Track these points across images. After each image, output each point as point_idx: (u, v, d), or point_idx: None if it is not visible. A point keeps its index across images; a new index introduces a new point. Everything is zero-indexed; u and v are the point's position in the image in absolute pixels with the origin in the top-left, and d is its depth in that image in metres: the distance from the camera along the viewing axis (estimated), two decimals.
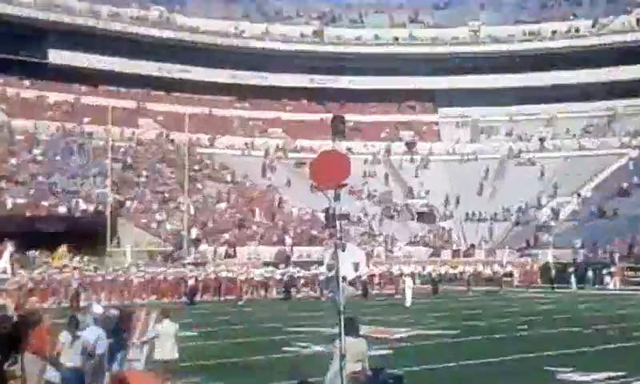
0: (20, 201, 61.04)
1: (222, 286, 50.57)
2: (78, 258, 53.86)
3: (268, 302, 47.19)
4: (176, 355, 16.24)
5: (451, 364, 21.89)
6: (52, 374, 15.58)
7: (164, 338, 16.17)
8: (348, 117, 11.25)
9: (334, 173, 10.28)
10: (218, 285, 50.79)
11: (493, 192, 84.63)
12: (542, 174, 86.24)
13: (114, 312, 17.63)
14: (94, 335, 15.70)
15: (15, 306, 22.06)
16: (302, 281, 54.30)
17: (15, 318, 18.43)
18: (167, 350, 16.11)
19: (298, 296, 51.06)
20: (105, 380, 15.56)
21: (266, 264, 59.15)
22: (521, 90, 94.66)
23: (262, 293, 51.74)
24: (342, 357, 10.36)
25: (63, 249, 51.97)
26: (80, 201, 63.10)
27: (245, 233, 67.90)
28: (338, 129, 10.79)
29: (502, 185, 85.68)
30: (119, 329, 16.94)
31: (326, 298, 46.08)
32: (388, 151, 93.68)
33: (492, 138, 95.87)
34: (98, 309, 17.52)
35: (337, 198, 10.33)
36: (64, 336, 15.39)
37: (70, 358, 15.19)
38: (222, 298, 49.14)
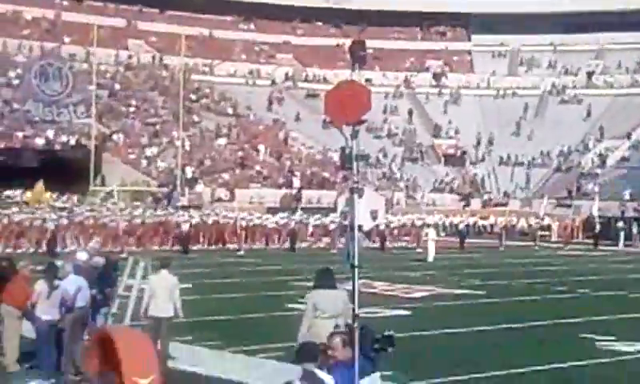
0: None
1: (219, 234, 50.78)
2: (55, 197, 54.07)
3: (271, 253, 47.44)
4: (171, 312, 16.18)
5: (476, 328, 22.06)
6: (26, 327, 15.78)
7: (159, 292, 16.13)
8: (367, 43, 11.21)
9: (352, 106, 10.23)
10: (216, 232, 51.01)
11: (531, 133, 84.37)
12: (589, 114, 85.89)
13: (99, 260, 17.73)
14: (74, 286, 15.83)
15: None
16: (311, 229, 54.46)
17: None
18: (161, 305, 16.08)
19: (305, 246, 51.25)
20: (84, 337, 15.73)
21: (270, 209, 59.33)
22: (567, 16, 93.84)
23: (265, 242, 51.96)
24: (355, 316, 10.46)
25: (40, 185, 52.13)
26: (60, 132, 63.20)
27: (247, 173, 68.08)
28: (358, 56, 10.71)
29: (542, 125, 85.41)
30: (104, 279, 17.06)
31: (337, 250, 46.28)
32: (412, 83, 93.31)
33: (532, 71, 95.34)
34: (82, 256, 17.63)
35: (354, 135, 10.32)
36: (40, 285, 15.51)
37: (46, 311, 15.31)
38: (220, 247, 49.39)
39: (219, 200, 61.91)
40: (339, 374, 8.97)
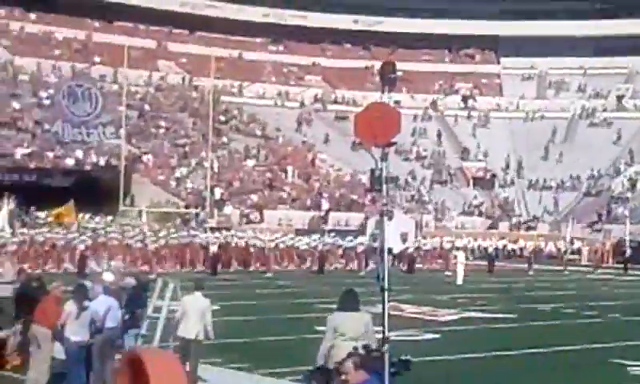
0: (23, 151, 61.62)
1: (247, 255, 50.80)
2: (86, 217, 54.33)
3: (299, 274, 47.38)
4: (201, 335, 15.99)
5: (506, 352, 21.94)
6: (56, 348, 15.79)
7: (191, 313, 16.01)
8: (396, 65, 11.22)
9: (382, 128, 10.26)
10: (244, 253, 51.03)
11: (560, 156, 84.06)
12: (619, 137, 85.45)
13: (130, 280, 17.74)
14: (104, 306, 15.87)
15: (18, 271, 22.30)
16: (339, 252, 54.36)
17: (17, 285, 18.78)
18: (191, 327, 15.96)
19: (333, 268, 51.15)
20: (114, 357, 15.73)
21: (299, 231, 59.30)
22: (596, 39, 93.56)
23: (293, 264, 51.93)
24: (384, 339, 10.42)
25: (70, 205, 52.43)
26: (90, 152, 63.56)
27: (275, 195, 68.12)
28: (388, 78, 10.72)
29: (571, 148, 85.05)
30: (135, 299, 17.05)
31: (365, 272, 46.19)
32: (441, 106, 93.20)
33: (561, 95, 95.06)
34: (109, 277, 17.64)
35: (384, 157, 10.32)
36: (69, 306, 15.52)
37: (76, 332, 15.32)
38: (248, 269, 49.39)
39: (248, 222, 61.96)
40: None
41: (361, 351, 9.74)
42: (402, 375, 9.37)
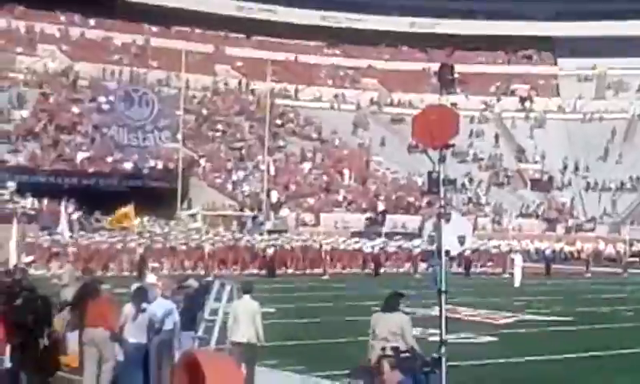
0: (82, 155, 62.30)
1: (304, 258, 50.90)
2: (145, 221, 54.75)
3: (355, 277, 47.35)
4: (253, 338, 15.98)
5: (564, 355, 21.72)
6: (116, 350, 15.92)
7: (242, 317, 15.96)
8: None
9: (440, 130, 10.22)
10: (301, 256, 51.13)
11: (620, 157, 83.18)
12: None
13: (193, 283, 17.84)
14: (162, 309, 15.97)
15: (82, 270, 22.62)
16: (395, 254, 54.26)
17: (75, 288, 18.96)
18: (243, 331, 15.93)
19: (389, 271, 51.05)
20: (172, 360, 15.81)
21: (355, 234, 59.26)
22: None
23: (349, 266, 51.92)
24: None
25: (130, 208, 52.87)
26: (148, 156, 64.08)
27: (331, 198, 68.16)
28: (447, 80, 10.68)
29: (630, 149, 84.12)
30: (195, 302, 17.11)
31: (421, 274, 46.08)
32: (498, 108, 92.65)
33: (620, 95, 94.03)
34: (152, 278, 17.82)
35: (442, 159, 10.28)
36: (127, 308, 15.65)
37: (133, 333, 15.44)
38: (305, 271, 49.48)
39: (304, 224, 62.06)
40: None
41: (389, 352, 9.73)
42: (435, 373, 9.34)
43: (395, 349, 9.55)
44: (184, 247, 48.23)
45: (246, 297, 16.19)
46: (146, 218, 55.01)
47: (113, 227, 49.23)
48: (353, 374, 8.36)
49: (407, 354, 9.29)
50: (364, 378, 8.52)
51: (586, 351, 22.41)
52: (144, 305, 15.65)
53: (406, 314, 12.97)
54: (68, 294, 19.03)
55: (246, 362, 15.66)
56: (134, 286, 17.26)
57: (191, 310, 16.80)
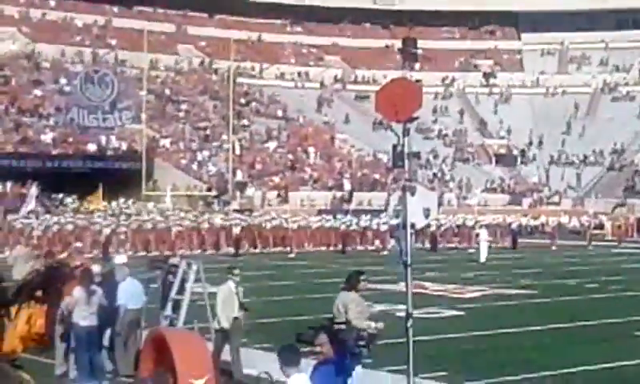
0: (45, 137, 61.85)
1: (270, 236, 50.88)
2: (111, 202, 54.57)
3: (322, 255, 47.40)
4: (227, 325, 16.13)
5: (530, 328, 21.90)
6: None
7: (228, 301, 16.11)
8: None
9: (403, 104, 10.24)
10: (267, 235, 51.10)
11: (583, 131, 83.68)
12: None
13: (175, 260, 17.86)
14: (130, 288, 15.94)
15: (45, 254, 22.40)
16: (363, 231, 54.33)
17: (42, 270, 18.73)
18: (228, 315, 16.06)
19: (356, 248, 51.11)
20: (139, 338, 15.81)
21: (321, 211, 59.31)
22: (617, 12, 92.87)
23: (316, 244, 51.94)
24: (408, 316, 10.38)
25: (100, 192, 52.80)
26: (112, 138, 63.75)
27: (297, 176, 68.15)
28: (410, 53, 10.70)
29: (593, 123, 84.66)
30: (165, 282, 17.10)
31: (388, 251, 46.18)
32: (462, 83, 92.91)
33: (583, 69, 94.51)
34: (121, 259, 17.80)
35: (406, 133, 10.30)
36: (77, 291, 15.37)
37: (84, 317, 15.25)
38: (271, 250, 49.48)
39: (270, 203, 62.03)
40: (325, 370, 9.01)
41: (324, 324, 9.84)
42: (369, 347, 9.44)
43: (330, 320, 9.66)
44: (150, 227, 48.04)
45: (229, 282, 16.28)
46: (112, 200, 54.84)
47: (83, 208, 49.20)
48: (282, 359, 8.33)
49: (341, 327, 9.36)
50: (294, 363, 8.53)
51: (551, 323, 22.60)
52: (93, 287, 15.44)
53: (364, 290, 13.07)
54: (18, 273, 18.87)
55: (232, 344, 15.86)
56: (96, 267, 17.14)
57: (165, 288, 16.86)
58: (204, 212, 55.03)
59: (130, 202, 56.42)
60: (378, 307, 23.36)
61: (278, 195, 63.72)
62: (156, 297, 16.74)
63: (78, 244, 36.38)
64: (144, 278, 17.38)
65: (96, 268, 16.98)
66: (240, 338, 16.56)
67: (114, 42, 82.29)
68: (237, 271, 16.63)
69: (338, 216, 55.54)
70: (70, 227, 45.47)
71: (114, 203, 54.88)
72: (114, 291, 16.18)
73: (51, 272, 16.63)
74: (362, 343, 9.48)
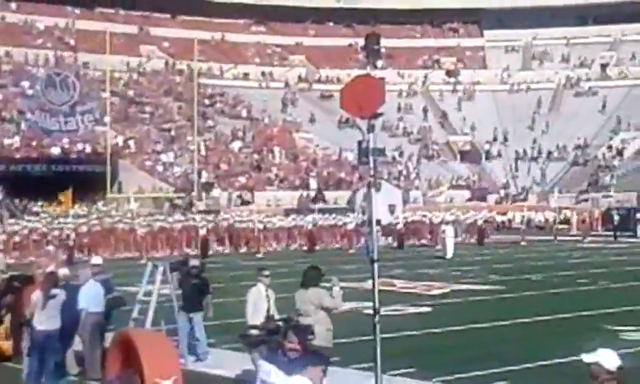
0: (7, 141, 61.41)
1: (237, 237, 50.81)
2: (77, 206, 54.28)
3: (289, 254, 47.36)
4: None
5: (498, 323, 21.95)
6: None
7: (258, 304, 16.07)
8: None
9: (367, 100, 10.27)
10: (234, 235, 51.03)
11: (547, 127, 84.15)
12: (604, 106, 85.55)
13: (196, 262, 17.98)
14: (91, 291, 15.86)
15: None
16: (330, 230, 54.36)
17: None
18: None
19: (323, 247, 51.14)
20: (102, 341, 15.77)
21: (288, 211, 59.29)
22: (579, 8, 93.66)
23: (283, 244, 51.93)
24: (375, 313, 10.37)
25: (68, 195, 52.41)
26: (76, 141, 63.35)
27: (263, 176, 68.08)
28: (373, 50, 10.74)
29: (557, 119, 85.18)
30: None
31: (355, 249, 46.26)
32: (426, 81, 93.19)
33: (546, 65, 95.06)
34: (97, 260, 17.77)
35: (370, 129, 10.32)
36: (36, 295, 15.13)
37: (42, 321, 14.94)
38: (238, 250, 49.40)
39: (243, 203, 61.94)
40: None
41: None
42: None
43: (285, 320, 9.71)
44: (117, 230, 47.85)
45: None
46: (77, 203, 54.56)
47: (48, 212, 48.92)
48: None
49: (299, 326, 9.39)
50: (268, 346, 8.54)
51: (517, 318, 22.68)
52: (54, 291, 15.22)
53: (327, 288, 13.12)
54: None
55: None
56: (62, 270, 16.99)
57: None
58: (171, 213, 54.90)
59: (95, 206, 56.13)
60: (345, 305, 23.43)
61: (239, 196, 63.62)
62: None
63: (47, 248, 36.07)
64: (106, 279, 17.29)
65: (62, 271, 16.81)
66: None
67: (76, 44, 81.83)
68: (267, 272, 16.44)
69: (305, 215, 55.56)
70: (37, 231, 45.24)
71: (76, 206, 54.56)
72: (76, 294, 16.05)
73: (10, 284, 16.47)
74: (311, 337, 9.49)
